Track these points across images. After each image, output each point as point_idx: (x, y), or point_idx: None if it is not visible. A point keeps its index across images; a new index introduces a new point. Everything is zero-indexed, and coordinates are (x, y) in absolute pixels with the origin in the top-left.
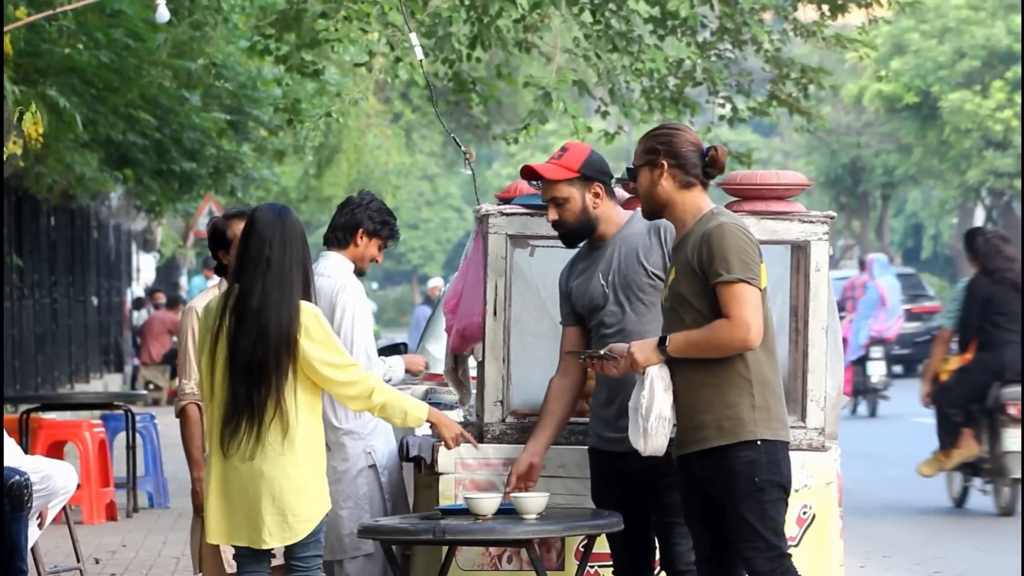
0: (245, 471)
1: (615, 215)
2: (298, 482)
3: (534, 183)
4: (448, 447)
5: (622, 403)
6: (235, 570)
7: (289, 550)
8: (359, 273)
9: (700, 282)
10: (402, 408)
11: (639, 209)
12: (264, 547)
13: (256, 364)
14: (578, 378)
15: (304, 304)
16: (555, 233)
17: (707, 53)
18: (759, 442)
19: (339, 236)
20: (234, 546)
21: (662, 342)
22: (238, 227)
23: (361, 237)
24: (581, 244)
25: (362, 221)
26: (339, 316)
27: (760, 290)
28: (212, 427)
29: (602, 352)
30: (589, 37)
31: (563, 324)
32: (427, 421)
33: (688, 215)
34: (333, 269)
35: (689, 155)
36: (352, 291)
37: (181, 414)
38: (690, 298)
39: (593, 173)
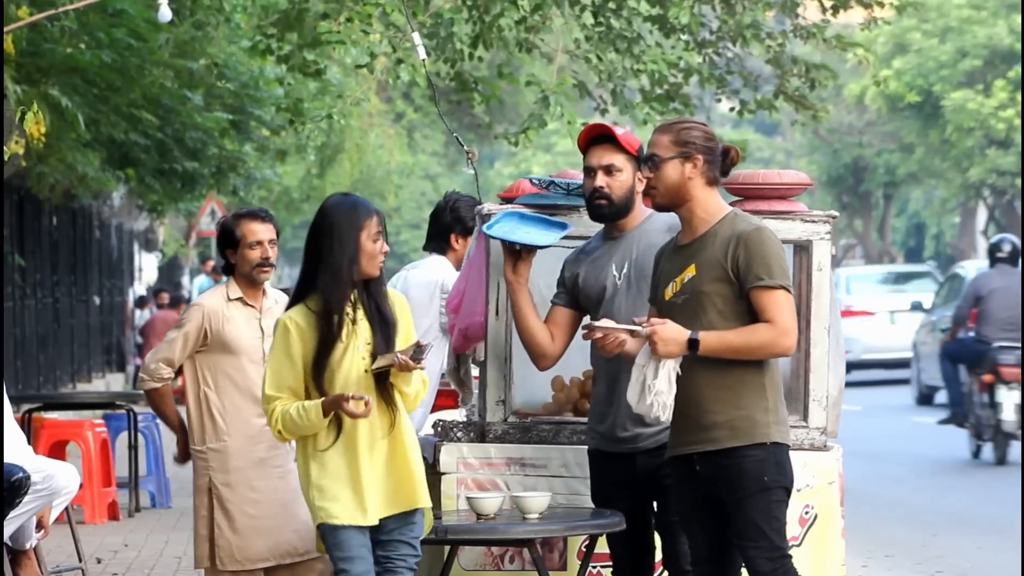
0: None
1: (641, 210)
2: None
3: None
4: (357, 414)
5: (618, 408)
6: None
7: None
8: None
9: (730, 285)
10: (302, 423)
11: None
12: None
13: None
14: (558, 337)
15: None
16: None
17: (707, 52)
18: (768, 443)
19: (436, 245)
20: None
21: (692, 343)
22: (246, 227)
23: (456, 240)
24: (581, 239)
25: (451, 225)
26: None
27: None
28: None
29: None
30: (590, 39)
31: (554, 303)
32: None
33: (707, 213)
34: (434, 268)
35: (716, 152)
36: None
37: (157, 394)
38: (715, 298)
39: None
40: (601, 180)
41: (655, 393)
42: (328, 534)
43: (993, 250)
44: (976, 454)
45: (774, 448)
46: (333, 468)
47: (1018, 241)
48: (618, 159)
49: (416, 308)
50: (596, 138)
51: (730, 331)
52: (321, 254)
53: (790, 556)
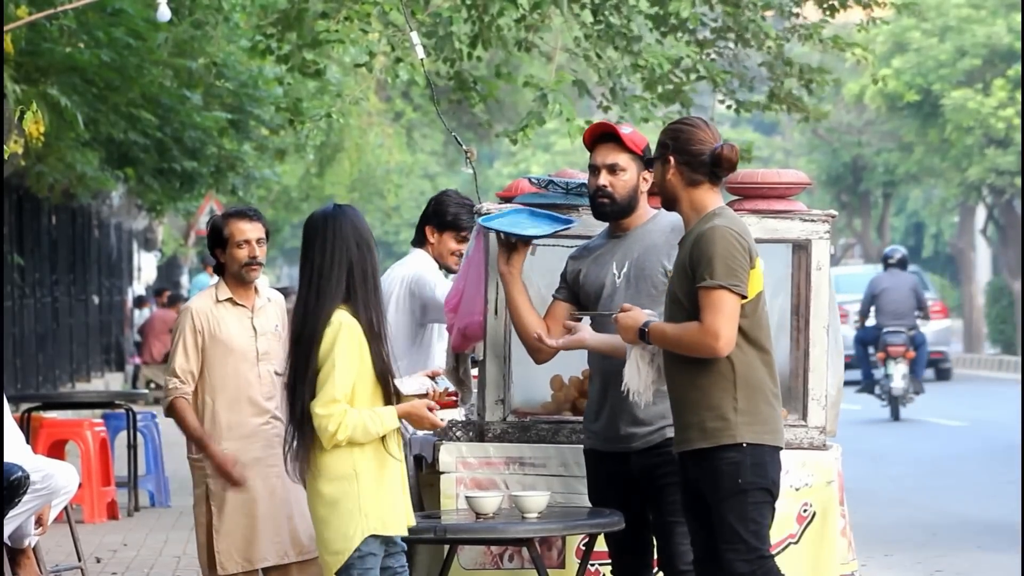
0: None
1: (645, 210)
2: None
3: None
4: (437, 426)
5: (612, 406)
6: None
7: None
8: (448, 270)
9: (690, 283)
10: (374, 430)
11: (661, 209)
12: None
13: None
14: (555, 331)
15: (336, 313)
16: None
17: (707, 51)
18: (744, 445)
19: (415, 238)
20: (386, 536)
21: (643, 332)
22: (234, 226)
23: (432, 233)
24: (580, 239)
25: (429, 217)
26: (429, 291)
27: (743, 297)
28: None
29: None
30: (590, 37)
31: (555, 297)
32: (401, 418)
33: (693, 213)
34: (412, 261)
35: (698, 153)
36: (428, 273)
37: (171, 408)
38: (681, 297)
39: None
40: (605, 179)
41: (628, 378)
42: (369, 544)
43: (886, 257)
44: (892, 414)
45: (752, 449)
46: (396, 477)
47: (905, 251)
48: (622, 158)
49: (387, 301)
50: (601, 136)
51: (670, 325)
52: (356, 265)
53: (770, 557)
